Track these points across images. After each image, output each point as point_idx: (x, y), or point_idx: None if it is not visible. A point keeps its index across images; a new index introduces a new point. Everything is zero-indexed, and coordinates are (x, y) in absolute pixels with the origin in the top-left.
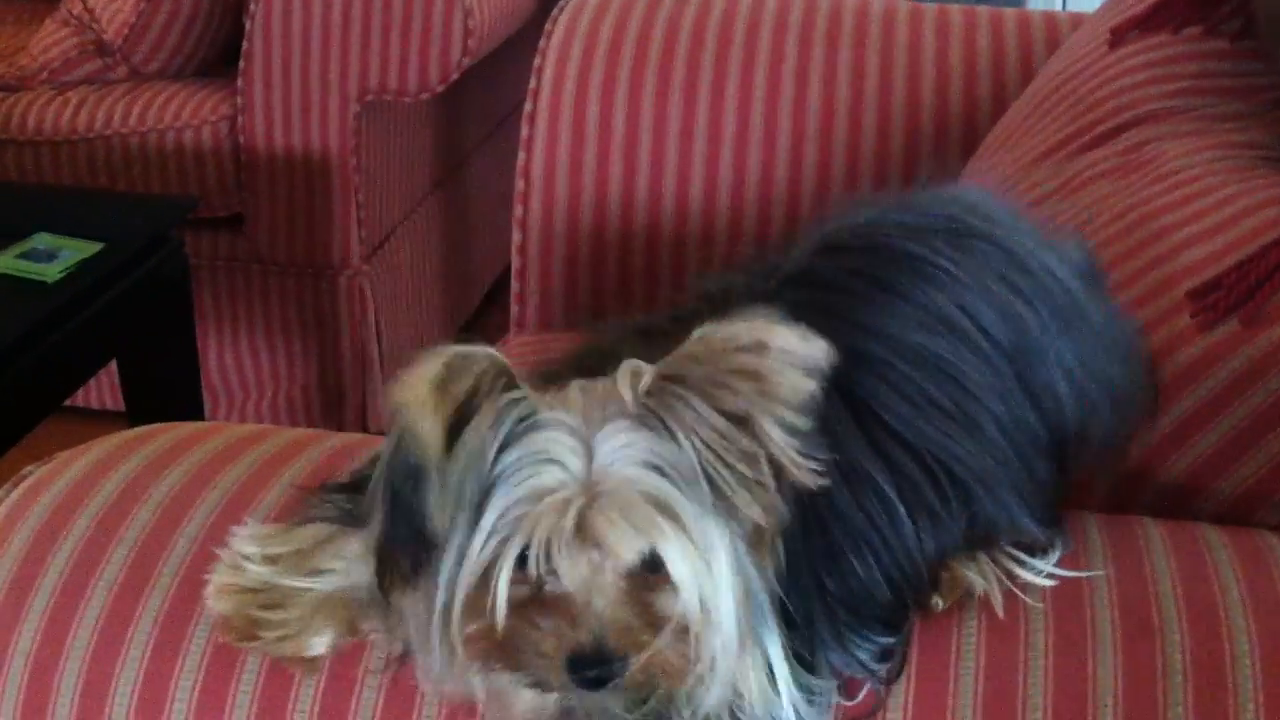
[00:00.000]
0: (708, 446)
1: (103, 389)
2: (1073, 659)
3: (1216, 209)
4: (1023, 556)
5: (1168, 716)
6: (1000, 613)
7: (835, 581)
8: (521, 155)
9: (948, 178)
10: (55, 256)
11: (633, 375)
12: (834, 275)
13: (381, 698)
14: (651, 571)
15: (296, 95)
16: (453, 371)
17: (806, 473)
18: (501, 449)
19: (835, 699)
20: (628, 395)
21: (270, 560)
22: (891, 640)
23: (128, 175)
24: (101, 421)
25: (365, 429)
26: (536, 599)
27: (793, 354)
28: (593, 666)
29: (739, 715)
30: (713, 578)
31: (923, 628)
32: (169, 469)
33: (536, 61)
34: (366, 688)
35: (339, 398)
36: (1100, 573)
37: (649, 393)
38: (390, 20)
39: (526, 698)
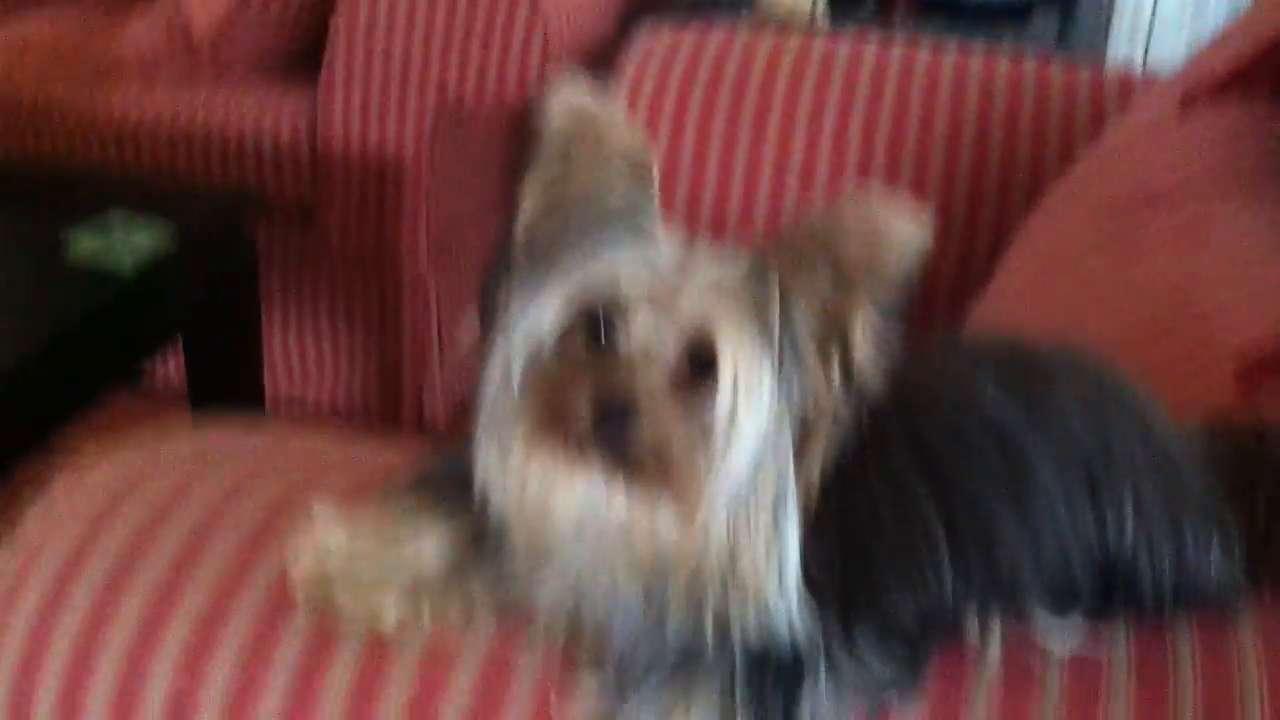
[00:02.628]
0: (797, 294)
1: (168, 369)
2: (1083, 712)
3: (1268, 284)
4: (1045, 615)
5: None
6: (994, 661)
7: (870, 601)
8: None
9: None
10: (130, 242)
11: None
12: (936, 343)
13: (420, 664)
14: (696, 378)
15: (375, 99)
16: (623, 124)
17: (875, 367)
18: (609, 225)
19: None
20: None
21: (352, 538)
22: (909, 664)
23: (206, 166)
24: (164, 402)
25: (421, 426)
26: (592, 360)
27: (899, 223)
28: (611, 410)
29: (733, 596)
30: (749, 397)
31: (939, 666)
32: (219, 465)
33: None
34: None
35: (396, 395)
36: (1120, 641)
37: (763, 240)
38: (471, 32)
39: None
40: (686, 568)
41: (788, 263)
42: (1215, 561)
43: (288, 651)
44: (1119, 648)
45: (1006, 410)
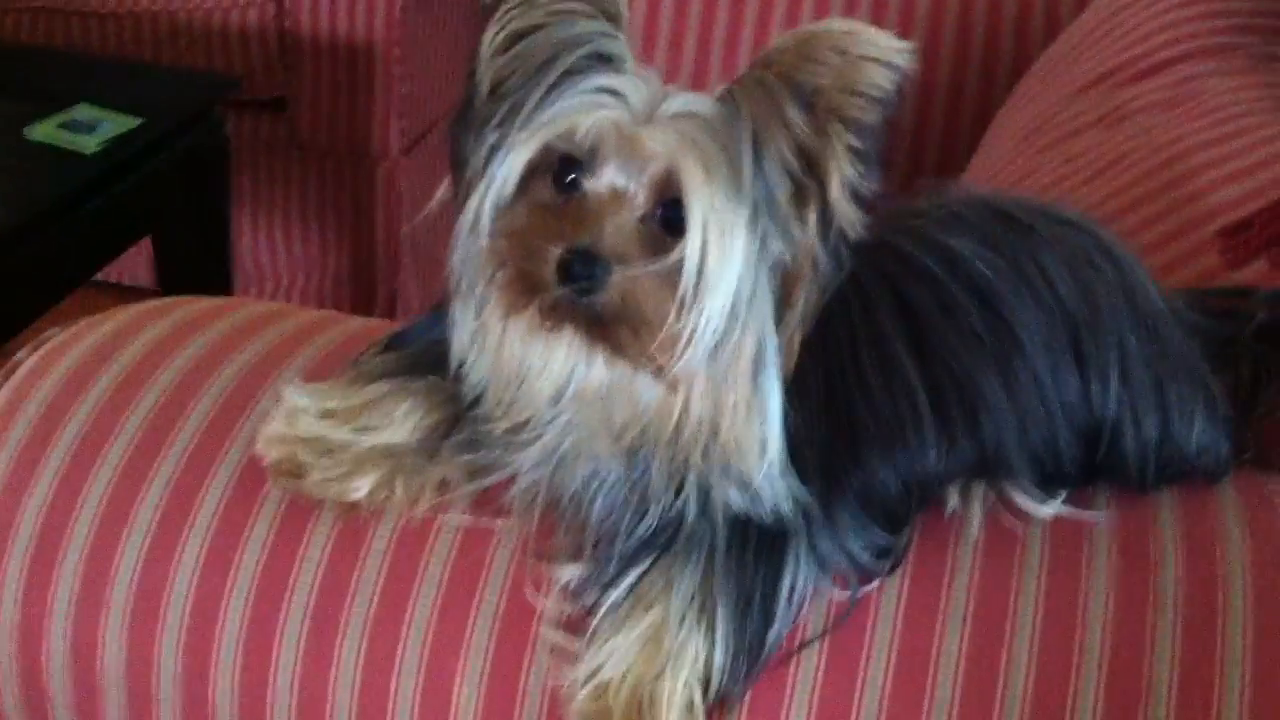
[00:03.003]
0: (769, 136)
1: (137, 266)
2: (1065, 582)
3: (1254, 149)
4: (1028, 486)
5: (1155, 641)
6: (976, 532)
7: (853, 472)
8: None
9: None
10: (95, 128)
11: None
12: (923, 206)
13: (394, 541)
14: (667, 230)
15: None
16: None
17: (854, 208)
18: (581, 68)
19: (826, 582)
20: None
21: (325, 415)
22: (889, 540)
23: (173, 51)
24: (133, 298)
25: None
26: (560, 207)
27: (877, 45)
28: (580, 262)
29: (715, 463)
30: (721, 246)
31: (921, 538)
32: (190, 339)
33: None
34: (377, 537)
35: (369, 290)
36: (1102, 513)
37: (736, 81)
38: None
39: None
40: (666, 432)
41: (759, 103)
42: (1199, 426)
43: (260, 524)
44: (1101, 515)
45: (992, 272)
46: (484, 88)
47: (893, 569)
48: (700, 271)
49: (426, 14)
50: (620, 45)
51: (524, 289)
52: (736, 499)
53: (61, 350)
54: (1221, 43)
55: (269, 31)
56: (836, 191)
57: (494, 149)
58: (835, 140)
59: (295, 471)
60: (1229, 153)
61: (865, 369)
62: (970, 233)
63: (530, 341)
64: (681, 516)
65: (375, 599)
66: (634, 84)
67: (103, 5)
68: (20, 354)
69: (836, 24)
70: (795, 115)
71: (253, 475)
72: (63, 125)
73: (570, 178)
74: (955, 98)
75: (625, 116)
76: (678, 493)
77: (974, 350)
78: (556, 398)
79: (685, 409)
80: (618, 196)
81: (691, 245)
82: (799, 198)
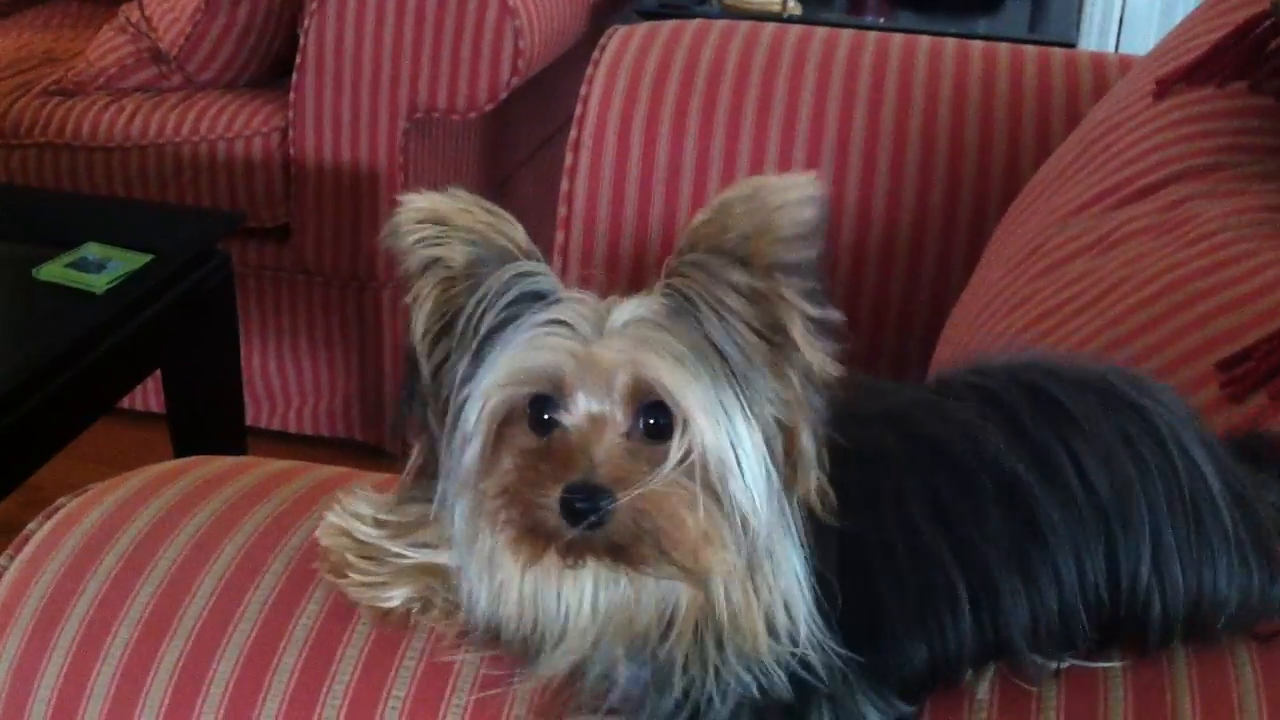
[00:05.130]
0: (724, 307)
1: (148, 392)
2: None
3: (1250, 276)
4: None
5: None
6: (987, 694)
7: (871, 644)
8: (565, 183)
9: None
10: (104, 267)
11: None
12: (956, 385)
13: (420, 669)
14: (655, 437)
15: (347, 110)
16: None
17: (823, 342)
18: (515, 314)
19: None
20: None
21: (379, 524)
22: (907, 710)
23: (178, 183)
24: (144, 424)
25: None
26: (543, 450)
27: (784, 188)
28: (582, 498)
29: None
30: (718, 432)
31: (934, 701)
32: (198, 507)
33: (583, 89)
34: (403, 668)
35: (379, 409)
36: (1116, 664)
37: (669, 273)
38: (441, 39)
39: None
40: (690, 630)
41: (701, 281)
42: (1241, 597)
43: (276, 688)
44: (1115, 664)
45: (1021, 467)
46: (426, 367)
47: None
48: (706, 463)
49: (426, 140)
50: (549, 280)
51: (536, 538)
52: (753, 685)
53: (71, 522)
54: (1208, 163)
55: (273, 162)
56: (800, 335)
57: (455, 412)
58: (782, 289)
59: (338, 568)
60: (1224, 281)
61: (896, 553)
62: (1001, 421)
63: (555, 582)
64: (698, 705)
65: None
66: (573, 309)
67: (109, 140)
68: (31, 525)
69: (741, 185)
70: (738, 277)
71: (261, 646)
72: (71, 265)
73: (546, 416)
74: (949, 223)
75: (575, 344)
76: (700, 678)
77: (994, 546)
78: (587, 626)
79: (715, 602)
80: (597, 420)
81: (692, 439)
82: (772, 355)
